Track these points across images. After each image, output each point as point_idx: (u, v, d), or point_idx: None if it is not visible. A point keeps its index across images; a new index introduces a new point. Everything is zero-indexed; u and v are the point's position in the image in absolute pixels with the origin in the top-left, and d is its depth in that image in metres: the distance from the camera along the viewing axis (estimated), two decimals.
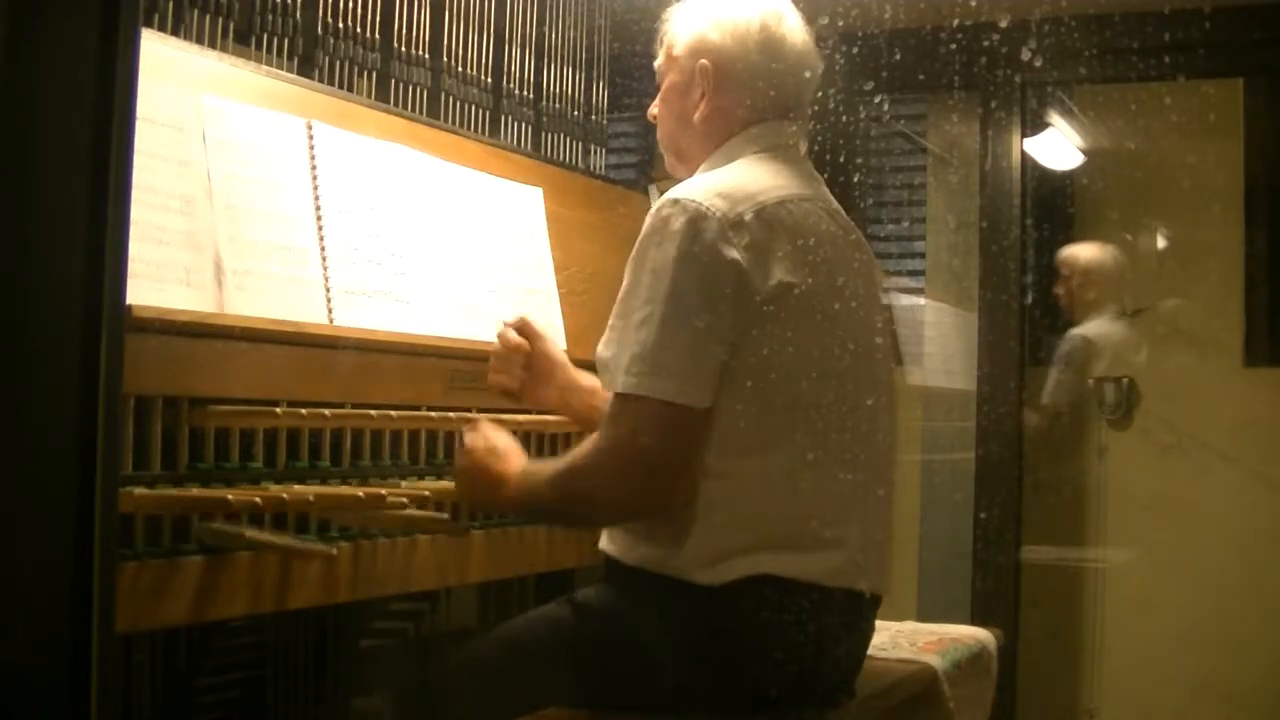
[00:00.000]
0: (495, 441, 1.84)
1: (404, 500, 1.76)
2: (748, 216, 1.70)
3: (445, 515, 1.89)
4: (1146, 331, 3.89)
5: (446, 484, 1.95)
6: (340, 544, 1.78)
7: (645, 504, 1.71)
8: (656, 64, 1.97)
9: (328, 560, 1.75)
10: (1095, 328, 4.01)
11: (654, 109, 1.99)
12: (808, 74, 1.90)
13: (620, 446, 1.67)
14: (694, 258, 1.67)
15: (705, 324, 1.66)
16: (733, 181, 1.77)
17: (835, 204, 1.89)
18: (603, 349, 1.75)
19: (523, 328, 2.03)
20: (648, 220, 1.74)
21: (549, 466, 1.80)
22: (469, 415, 2.06)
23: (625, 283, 1.74)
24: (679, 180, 1.84)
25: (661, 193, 1.84)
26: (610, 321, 1.76)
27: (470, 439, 1.85)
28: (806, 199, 1.81)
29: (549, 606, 1.90)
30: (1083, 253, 4.02)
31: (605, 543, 1.83)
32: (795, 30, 1.88)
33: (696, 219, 1.68)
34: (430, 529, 1.90)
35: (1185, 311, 3.82)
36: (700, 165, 1.89)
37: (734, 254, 1.67)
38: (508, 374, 2.02)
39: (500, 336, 2.03)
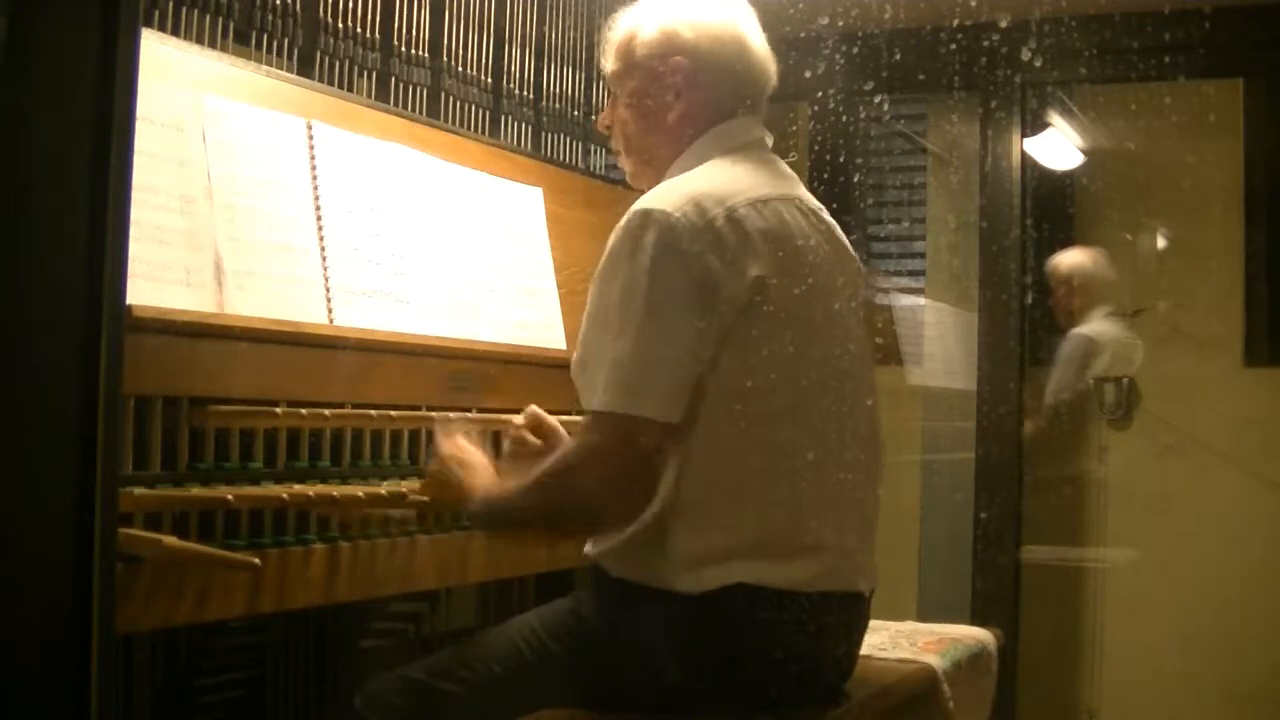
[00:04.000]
0: (466, 455, 1.83)
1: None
2: (719, 222, 1.67)
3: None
4: (1146, 331, 3.88)
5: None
6: (342, 543, 1.79)
7: (616, 514, 1.71)
8: (609, 71, 1.93)
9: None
10: (1096, 327, 4.01)
11: (606, 120, 1.95)
12: (770, 71, 1.89)
13: (595, 458, 1.66)
14: (667, 271, 1.64)
15: (681, 339, 1.64)
16: (703, 185, 1.73)
17: (811, 200, 1.86)
18: (576, 365, 1.73)
19: (535, 425, 1.91)
20: (617, 231, 1.70)
21: (518, 480, 1.76)
22: (469, 415, 2.06)
23: (595, 297, 1.71)
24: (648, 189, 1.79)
25: None
26: (581, 336, 1.73)
27: (442, 447, 1.84)
28: (778, 198, 1.78)
29: (527, 616, 1.86)
30: (1065, 260, 4.01)
31: (590, 548, 1.80)
32: (756, 29, 1.88)
33: (667, 230, 1.65)
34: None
35: (1185, 311, 3.82)
36: (669, 168, 1.85)
37: (708, 262, 1.65)
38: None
39: (515, 439, 1.91)
